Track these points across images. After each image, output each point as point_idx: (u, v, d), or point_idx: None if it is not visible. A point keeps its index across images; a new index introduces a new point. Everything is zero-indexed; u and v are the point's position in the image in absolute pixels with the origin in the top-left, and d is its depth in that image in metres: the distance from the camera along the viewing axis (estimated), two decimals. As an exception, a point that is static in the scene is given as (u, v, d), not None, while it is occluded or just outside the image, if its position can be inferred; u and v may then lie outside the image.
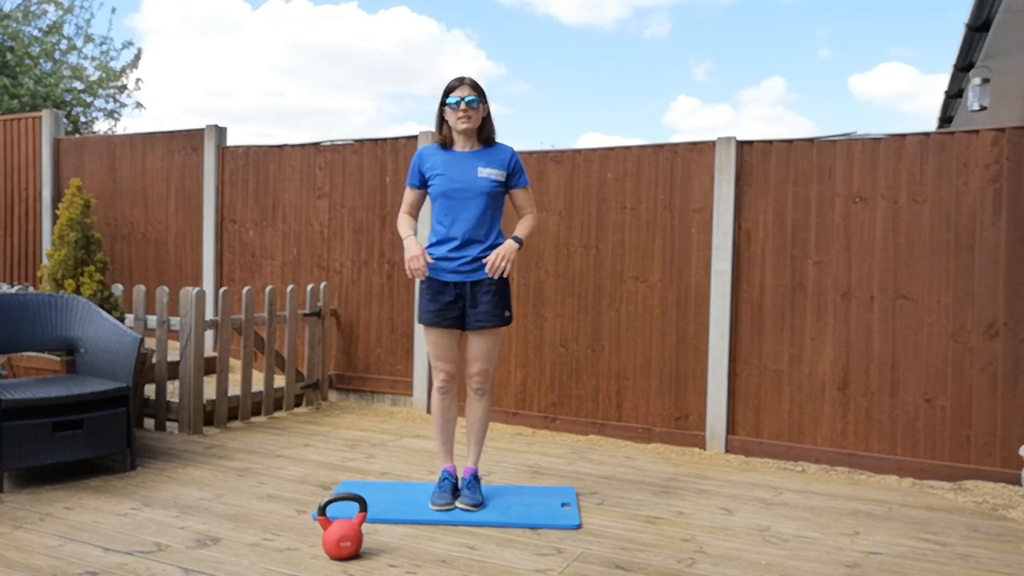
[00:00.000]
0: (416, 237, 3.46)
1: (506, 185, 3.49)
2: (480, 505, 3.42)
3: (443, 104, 3.42)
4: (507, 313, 3.48)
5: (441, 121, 3.47)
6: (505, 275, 3.39)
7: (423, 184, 3.54)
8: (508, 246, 3.39)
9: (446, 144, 3.48)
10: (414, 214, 3.59)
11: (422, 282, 3.50)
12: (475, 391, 3.53)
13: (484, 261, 3.37)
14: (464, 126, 3.37)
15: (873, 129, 4.56)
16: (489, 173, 3.41)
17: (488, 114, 3.47)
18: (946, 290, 4.25)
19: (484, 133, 3.46)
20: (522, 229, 3.50)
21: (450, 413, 3.57)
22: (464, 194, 3.39)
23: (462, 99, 3.35)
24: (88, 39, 13.05)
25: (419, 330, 5.57)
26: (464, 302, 3.42)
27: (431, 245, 3.47)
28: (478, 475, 3.55)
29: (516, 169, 3.50)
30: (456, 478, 3.54)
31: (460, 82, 3.39)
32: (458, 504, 3.42)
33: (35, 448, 3.64)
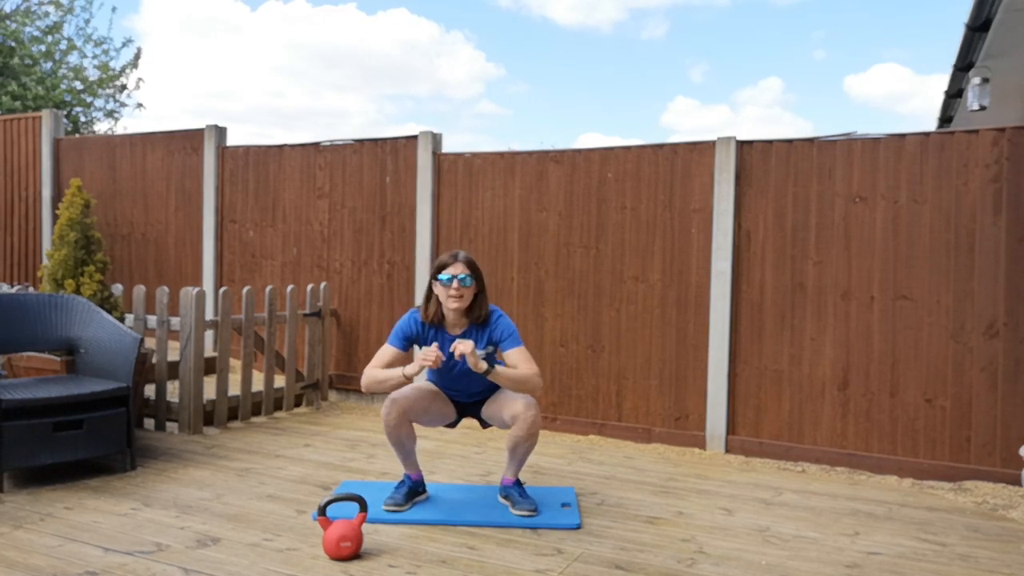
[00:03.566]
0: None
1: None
2: (536, 509, 3.30)
3: (434, 279, 3.28)
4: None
5: (430, 295, 3.33)
6: (459, 356, 3.13)
7: (407, 348, 3.40)
8: (479, 362, 3.12)
9: (436, 320, 3.32)
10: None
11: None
12: (527, 429, 3.25)
13: (456, 351, 3.14)
14: (454, 305, 3.22)
15: (870, 129, 4.56)
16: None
17: (481, 291, 3.30)
18: (946, 290, 4.25)
19: (475, 312, 3.30)
20: (509, 369, 3.25)
21: (401, 431, 3.34)
22: (456, 374, 3.35)
23: (454, 276, 3.20)
24: (88, 39, 13.06)
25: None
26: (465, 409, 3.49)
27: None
28: (520, 480, 3.46)
29: (503, 336, 3.31)
30: (415, 483, 3.46)
31: (454, 259, 3.26)
32: (515, 511, 3.31)
33: (35, 448, 3.63)
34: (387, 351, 3.38)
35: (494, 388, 3.44)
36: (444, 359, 3.17)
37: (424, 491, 3.54)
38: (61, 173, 7.28)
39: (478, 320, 3.31)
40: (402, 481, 3.48)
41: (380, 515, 3.28)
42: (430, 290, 3.32)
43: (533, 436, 3.29)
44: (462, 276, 3.21)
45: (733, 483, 4.06)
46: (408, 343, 3.39)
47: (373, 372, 3.32)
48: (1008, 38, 5.48)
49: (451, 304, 3.23)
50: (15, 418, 3.60)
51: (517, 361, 3.27)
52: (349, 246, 5.95)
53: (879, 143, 4.40)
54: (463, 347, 3.11)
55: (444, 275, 3.24)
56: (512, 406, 3.28)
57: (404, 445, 3.40)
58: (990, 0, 5.03)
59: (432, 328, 3.34)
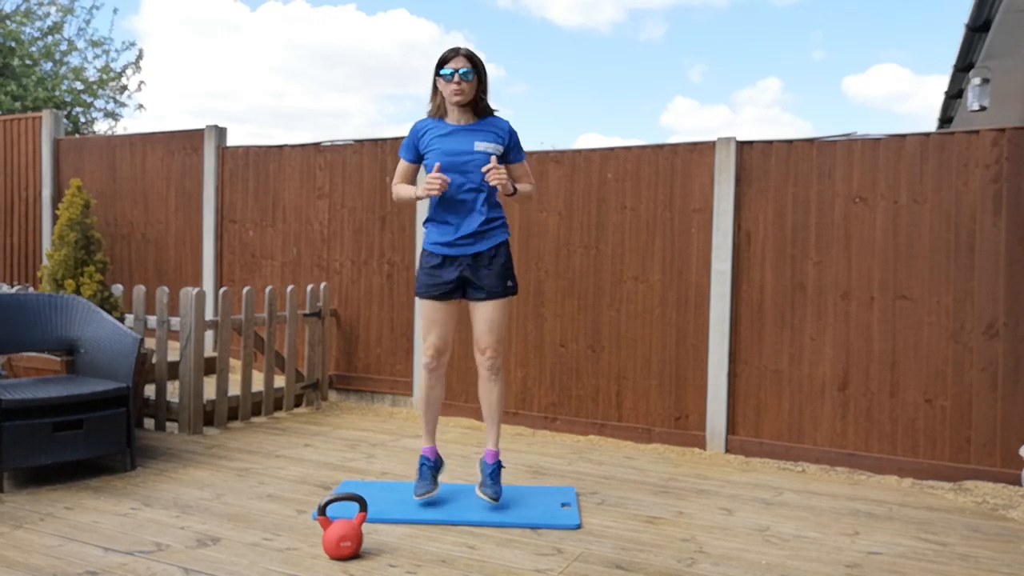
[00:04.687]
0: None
1: (503, 160, 3.40)
2: (498, 499, 3.36)
3: (437, 75, 3.34)
4: (510, 283, 3.42)
5: (435, 91, 3.39)
6: (496, 183, 3.25)
7: (417, 159, 3.47)
8: (509, 186, 3.31)
9: (441, 115, 3.40)
10: (410, 182, 3.54)
11: (421, 257, 3.46)
12: (488, 370, 3.44)
13: (489, 173, 3.25)
14: (457, 99, 3.29)
15: (870, 130, 4.56)
16: (486, 147, 3.32)
17: (484, 85, 3.36)
18: (946, 290, 4.25)
19: (480, 105, 3.37)
20: (520, 186, 3.45)
21: (435, 393, 3.49)
22: (459, 168, 3.31)
23: (456, 71, 3.27)
24: (90, 42, 13.05)
25: (419, 330, 5.57)
26: (465, 278, 3.37)
27: (428, 221, 3.42)
28: (500, 463, 3.49)
29: (514, 143, 3.43)
30: (434, 461, 3.49)
31: (455, 53, 3.30)
32: (479, 492, 3.38)
33: (35, 448, 3.64)
34: (402, 166, 3.51)
35: (487, 215, 3.38)
36: (449, 181, 3.26)
37: (442, 463, 3.54)
38: (61, 173, 7.28)
39: (484, 113, 3.39)
40: (421, 466, 3.47)
41: (380, 515, 3.27)
42: (435, 85, 3.38)
43: (496, 371, 3.43)
44: (463, 71, 3.27)
45: (733, 483, 4.06)
46: (416, 154, 3.45)
47: (396, 188, 3.53)
48: (1008, 38, 5.49)
49: (454, 98, 3.29)
50: (15, 418, 3.60)
51: (521, 176, 3.49)
52: (349, 246, 5.95)
53: (879, 143, 4.40)
54: (497, 179, 3.24)
55: (446, 70, 3.29)
56: (482, 331, 3.40)
57: (432, 407, 3.51)
58: (990, 0, 5.04)
59: (438, 124, 3.40)
